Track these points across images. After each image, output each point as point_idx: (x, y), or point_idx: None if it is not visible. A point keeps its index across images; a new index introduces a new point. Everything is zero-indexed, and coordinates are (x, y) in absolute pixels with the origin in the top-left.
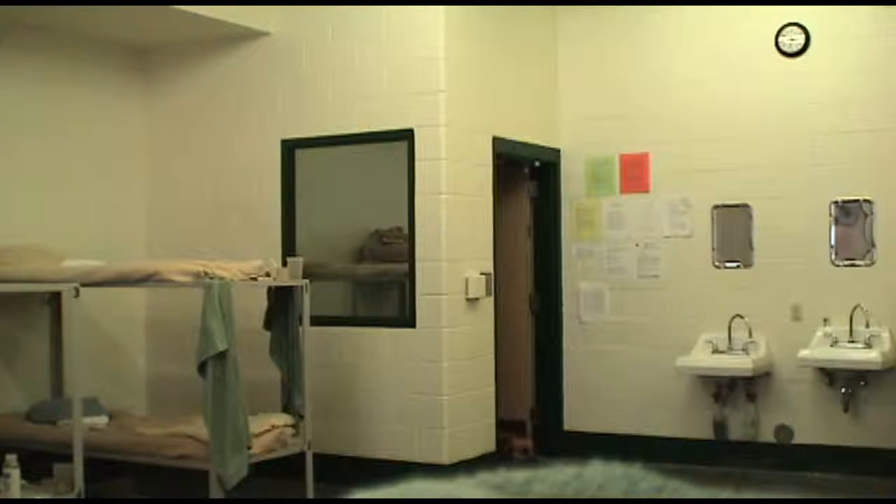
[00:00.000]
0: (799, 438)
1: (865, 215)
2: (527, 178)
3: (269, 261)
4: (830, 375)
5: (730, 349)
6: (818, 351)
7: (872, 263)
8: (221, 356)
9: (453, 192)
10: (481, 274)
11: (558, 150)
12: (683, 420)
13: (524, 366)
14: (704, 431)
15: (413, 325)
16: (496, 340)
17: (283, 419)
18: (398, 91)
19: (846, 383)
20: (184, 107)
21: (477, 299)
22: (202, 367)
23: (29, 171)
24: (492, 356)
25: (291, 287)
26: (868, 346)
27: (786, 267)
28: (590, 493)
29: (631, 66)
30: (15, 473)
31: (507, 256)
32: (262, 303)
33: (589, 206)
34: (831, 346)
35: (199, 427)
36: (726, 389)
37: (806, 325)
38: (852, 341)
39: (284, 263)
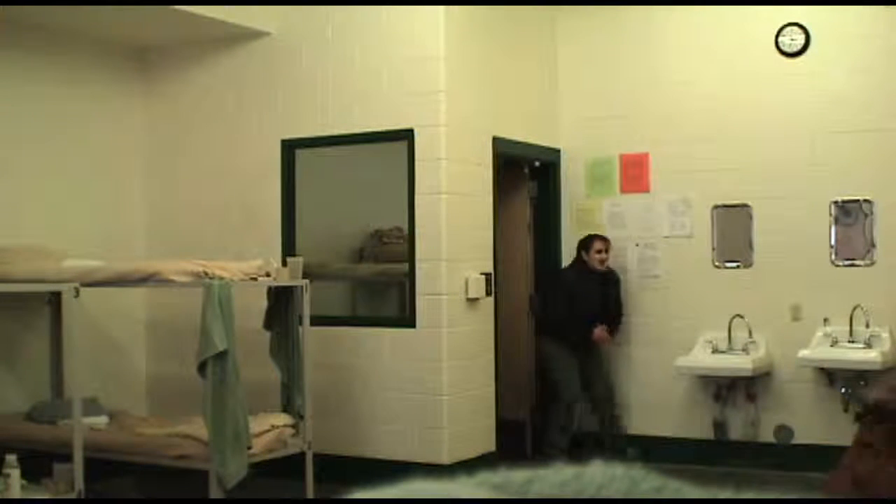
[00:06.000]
0: (799, 438)
1: (865, 215)
2: (527, 178)
3: (269, 261)
4: (830, 375)
5: (730, 349)
6: (818, 351)
7: (872, 263)
8: (221, 356)
9: (453, 192)
10: (481, 274)
11: (558, 150)
12: (683, 420)
13: (524, 366)
14: (704, 431)
15: (413, 326)
16: (496, 340)
17: (283, 419)
18: (398, 91)
19: (846, 383)
20: (184, 107)
21: (477, 299)
22: (202, 367)
23: (29, 170)
24: (492, 356)
25: (291, 287)
26: (868, 346)
27: (786, 267)
28: (590, 493)
29: (631, 66)
30: (15, 473)
31: (507, 256)
32: (262, 303)
33: (589, 206)
34: (831, 346)
35: (199, 427)
36: (726, 389)
37: (806, 325)
38: (852, 341)
39: (284, 263)
